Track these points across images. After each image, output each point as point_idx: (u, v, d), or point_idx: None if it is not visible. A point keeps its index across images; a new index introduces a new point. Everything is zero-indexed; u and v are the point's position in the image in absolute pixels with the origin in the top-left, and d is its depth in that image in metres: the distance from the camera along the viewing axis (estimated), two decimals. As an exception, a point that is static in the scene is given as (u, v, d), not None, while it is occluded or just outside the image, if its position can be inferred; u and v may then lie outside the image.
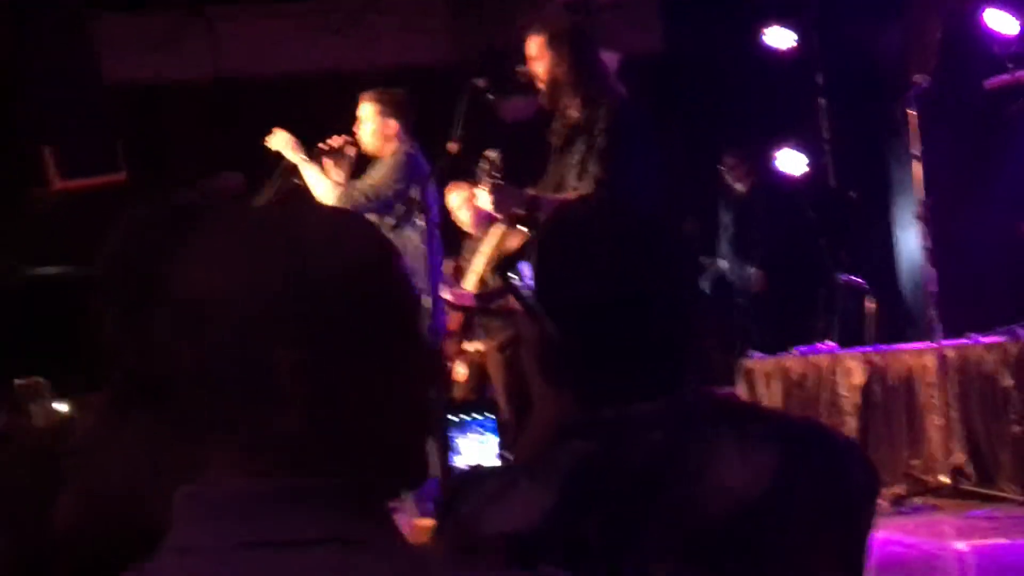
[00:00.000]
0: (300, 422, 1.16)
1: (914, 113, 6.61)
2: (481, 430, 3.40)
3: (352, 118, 6.36)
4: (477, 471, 2.35)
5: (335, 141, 6.27)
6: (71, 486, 1.49)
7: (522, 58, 5.17)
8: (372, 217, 6.06)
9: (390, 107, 6.27)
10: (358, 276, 1.18)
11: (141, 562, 1.19)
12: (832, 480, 1.62)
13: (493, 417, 3.29)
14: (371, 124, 6.27)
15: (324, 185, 6.19)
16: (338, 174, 6.29)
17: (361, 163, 6.35)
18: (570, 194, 4.86)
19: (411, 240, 6.08)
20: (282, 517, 1.16)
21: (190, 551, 1.16)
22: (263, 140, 6.37)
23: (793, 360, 7.21)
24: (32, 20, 8.56)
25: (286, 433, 1.17)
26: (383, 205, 6.11)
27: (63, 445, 1.65)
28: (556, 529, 1.54)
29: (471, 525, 1.56)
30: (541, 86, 5.05)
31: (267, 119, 9.44)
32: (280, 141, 6.25)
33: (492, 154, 4.89)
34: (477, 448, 3.50)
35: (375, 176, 6.20)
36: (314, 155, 6.25)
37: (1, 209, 8.70)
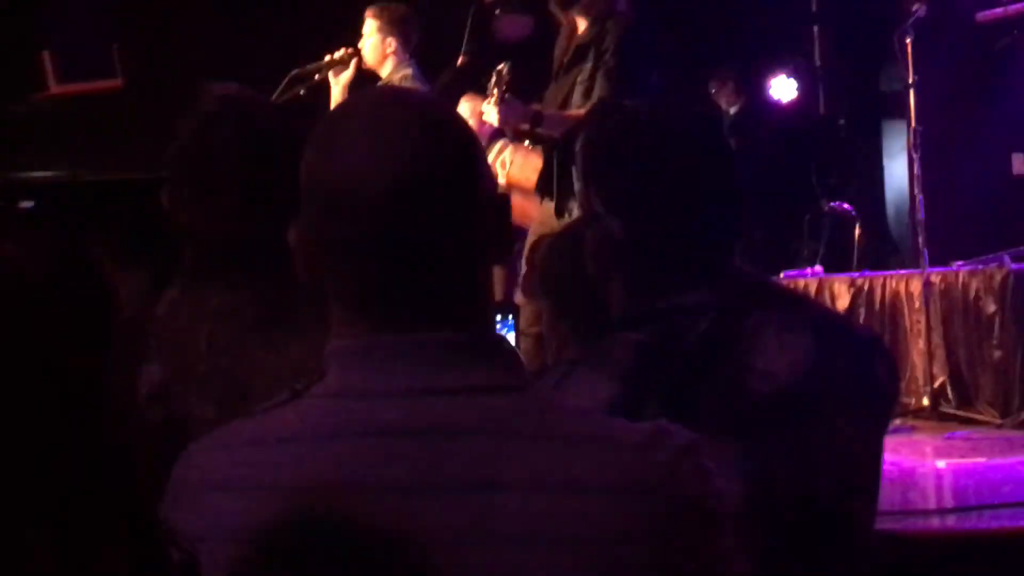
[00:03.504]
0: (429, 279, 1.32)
1: (910, 42, 6.70)
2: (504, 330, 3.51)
3: (348, 31, 6.38)
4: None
5: (339, 53, 6.31)
6: (157, 354, 1.61)
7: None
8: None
9: (389, 25, 6.25)
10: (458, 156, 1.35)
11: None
12: (859, 369, 1.79)
13: (512, 321, 3.41)
14: (371, 40, 6.28)
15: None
16: (340, 93, 6.30)
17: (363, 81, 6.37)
18: (575, 112, 4.96)
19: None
20: (444, 366, 1.30)
21: (353, 396, 1.32)
22: (260, 47, 6.37)
23: (781, 284, 7.33)
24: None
25: (420, 291, 1.33)
26: None
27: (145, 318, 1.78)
28: (619, 415, 1.66)
29: None
30: None
31: (265, 27, 9.47)
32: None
33: (502, 67, 4.96)
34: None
35: None
36: (321, 66, 6.29)
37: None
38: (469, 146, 1.37)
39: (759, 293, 1.87)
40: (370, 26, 6.28)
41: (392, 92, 1.94)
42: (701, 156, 1.83)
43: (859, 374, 1.79)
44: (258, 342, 1.95)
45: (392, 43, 6.21)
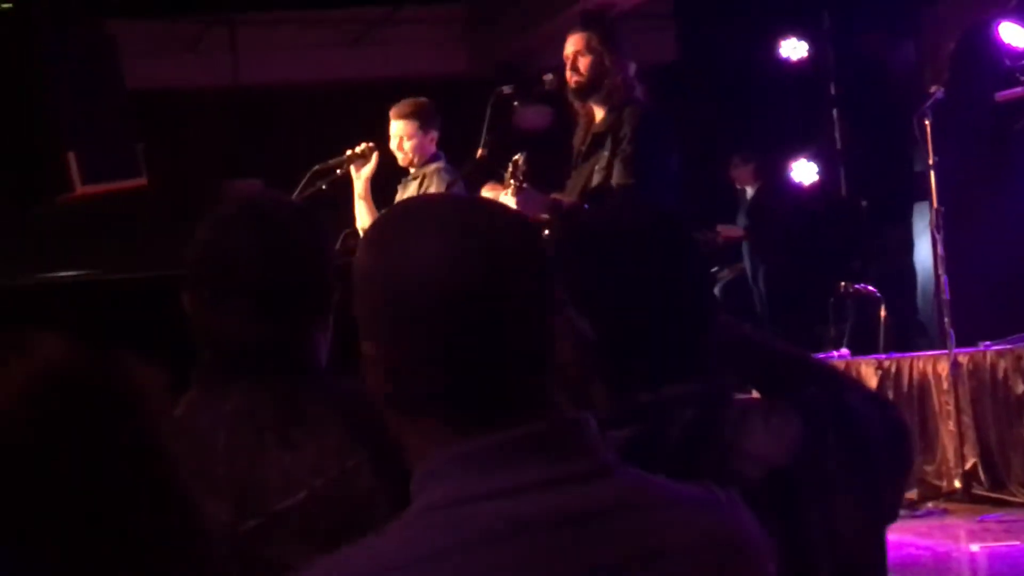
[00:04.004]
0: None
1: (929, 123, 6.72)
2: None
3: (367, 126, 6.40)
4: None
5: (360, 147, 6.33)
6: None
7: (539, 67, 5.26)
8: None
9: (428, 118, 6.25)
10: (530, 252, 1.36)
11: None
12: (853, 445, 1.78)
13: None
14: (414, 140, 6.22)
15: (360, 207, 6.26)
16: (362, 187, 6.30)
17: (384, 174, 6.38)
18: (593, 200, 4.97)
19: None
20: (556, 455, 1.32)
21: (480, 499, 1.29)
22: (282, 144, 6.40)
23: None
24: (55, 26, 8.65)
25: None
26: None
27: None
28: None
29: None
30: (576, 84, 5.10)
31: (286, 126, 9.58)
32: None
33: (518, 158, 4.98)
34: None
35: None
36: (343, 160, 6.31)
37: (23, 213, 8.80)
38: (537, 240, 1.40)
39: (743, 376, 1.88)
40: (407, 127, 6.20)
41: (453, 196, 1.97)
42: (661, 250, 1.84)
43: (853, 451, 1.78)
44: (275, 443, 1.96)
45: (434, 136, 6.21)
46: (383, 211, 1.64)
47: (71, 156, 8.45)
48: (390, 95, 6.49)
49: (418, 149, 6.23)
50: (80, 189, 8.50)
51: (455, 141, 6.18)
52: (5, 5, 9.27)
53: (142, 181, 8.62)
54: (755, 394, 1.98)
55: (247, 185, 8.98)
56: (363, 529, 2.09)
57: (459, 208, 1.40)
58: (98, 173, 8.55)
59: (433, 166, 6.17)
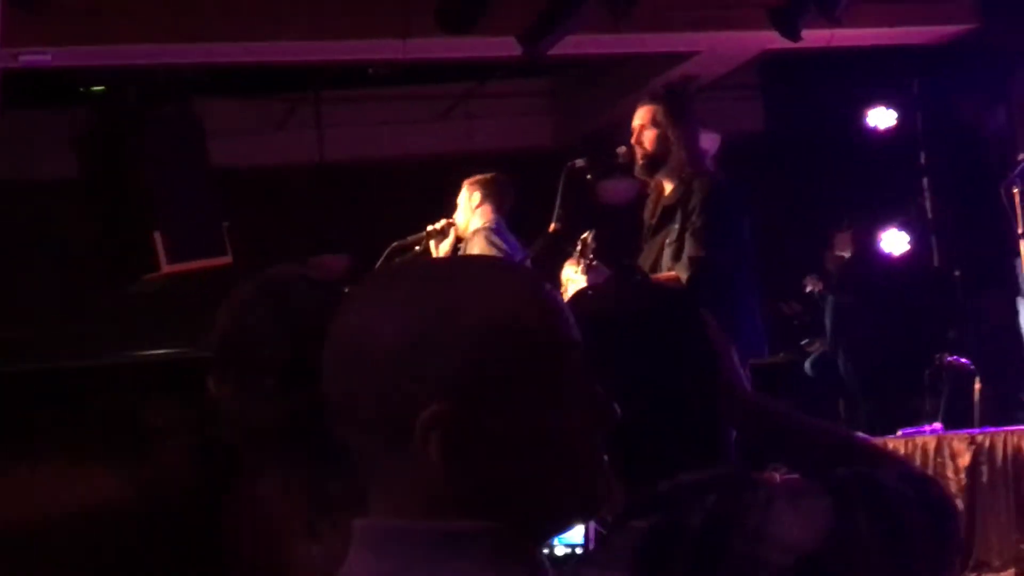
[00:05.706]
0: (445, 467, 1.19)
1: (1017, 192, 6.58)
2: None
3: (456, 201, 6.42)
4: None
5: (439, 224, 6.34)
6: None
7: (623, 140, 5.21)
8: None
9: (474, 185, 6.29)
10: (505, 326, 1.20)
11: None
12: (888, 528, 1.68)
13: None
14: (460, 199, 6.29)
15: None
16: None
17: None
18: (664, 275, 4.90)
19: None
20: (432, 560, 1.17)
21: None
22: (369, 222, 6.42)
23: (898, 442, 7.12)
24: (143, 108, 8.80)
25: (432, 476, 1.20)
26: None
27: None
28: None
29: None
30: (642, 158, 5.06)
31: (373, 203, 9.61)
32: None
33: (587, 236, 4.95)
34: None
35: None
36: (422, 236, 6.32)
37: (112, 291, 8.91)
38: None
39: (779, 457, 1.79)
40: (463, 192, 6.33)
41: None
42: (664, 333, 1.76)
43: (887, 533, 1.68)
44: (302, 533, 1.91)
45: (477, 198, 6.22)
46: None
47: (157, 235, 8.60)
48: (477, 169, 6.50)
49: (460, 208, 6.29)
50: (166, 268, 8.63)
51: (540, 215, 6.16)
52: (97, 88, 9.47)
53: (227, 259, 8.72)
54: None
55: (334, 261, 9.01)
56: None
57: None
58: (184, 252, 8.68)
59: (483, 224, 6.19)
